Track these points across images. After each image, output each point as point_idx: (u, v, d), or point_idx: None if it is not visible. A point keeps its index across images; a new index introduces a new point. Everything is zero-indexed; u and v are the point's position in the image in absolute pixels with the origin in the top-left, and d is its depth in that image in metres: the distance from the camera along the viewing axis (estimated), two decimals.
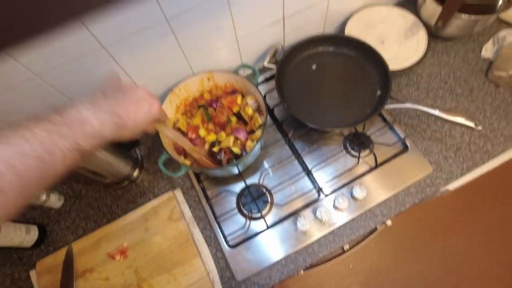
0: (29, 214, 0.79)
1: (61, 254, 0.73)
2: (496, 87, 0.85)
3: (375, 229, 0.90)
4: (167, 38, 0.68)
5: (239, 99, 0.76)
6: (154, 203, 0.77)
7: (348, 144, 0.80)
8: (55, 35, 0.36)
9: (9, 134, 0.35)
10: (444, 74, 0.88)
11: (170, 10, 0.62)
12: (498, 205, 1.57)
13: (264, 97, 0.85)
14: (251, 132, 0.75)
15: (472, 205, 1.58)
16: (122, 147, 0.78)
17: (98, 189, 0.82)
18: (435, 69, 0.89)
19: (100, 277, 0.71)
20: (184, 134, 0.75)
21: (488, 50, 0.89)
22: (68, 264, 0.72)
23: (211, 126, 0.75)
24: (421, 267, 1.47)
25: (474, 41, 0.92)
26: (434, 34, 0.90)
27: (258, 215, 0.73)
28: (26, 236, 0.71)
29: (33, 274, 0.73)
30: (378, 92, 0.80)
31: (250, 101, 0.77)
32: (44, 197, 0.73)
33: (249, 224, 0.74)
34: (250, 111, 0.76)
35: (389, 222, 0.82)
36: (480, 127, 0.68)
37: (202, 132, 0.74)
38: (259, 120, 0.75)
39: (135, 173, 0.82)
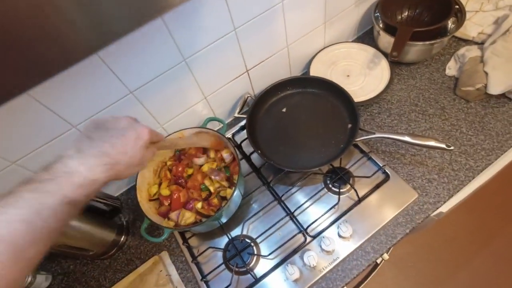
0: None
1: None
2: (466, 102, 0.85)
3: (376, 265, 0.85)
4: (135, 109, 0.72)
5: (212, 153, 0.78)
6: (140, 269, 0.75)
7: (328, 181, 0.79)
8: None
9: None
10: (413, 97, 0.89)
11: (132, 84, 0.67)
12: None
13: (240, 146, 0.88)
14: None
15: (485, 221, 1.50)
16: (103, 216, 0.78)
17: (85, 262, 0.81)
18: (404, 93, 0.91)
19: None
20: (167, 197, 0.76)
21: (451, 69, 0.91)
22: None
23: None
24: None
25: (437, 62, 0.94)
26: (396, 61, 0.93)
27: (244, 269, 0.70)
28: None
29: None
30: (349, 125, 0.81)
31: (225, 154, 0.79)
32: (29, 278, 0.73)
33: (238, 280, 0.71)
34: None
35: (385, 256, 0.78)
36: (452, 147, 0.68)
37: (164, 191, 0.74)
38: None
39: (122, 240, 0.81)
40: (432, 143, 0.69)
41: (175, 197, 0.71)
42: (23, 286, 0.71)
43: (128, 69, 0.64)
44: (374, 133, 0.75)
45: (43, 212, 0.36)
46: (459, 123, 0.83)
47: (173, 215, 0.70)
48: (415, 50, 0.88)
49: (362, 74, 0.93)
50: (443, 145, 0.68)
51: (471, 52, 0.88)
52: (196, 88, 0.79)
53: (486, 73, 0.82)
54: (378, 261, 0.84)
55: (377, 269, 0.86)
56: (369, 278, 0.87)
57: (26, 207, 0.36)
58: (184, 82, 0.75)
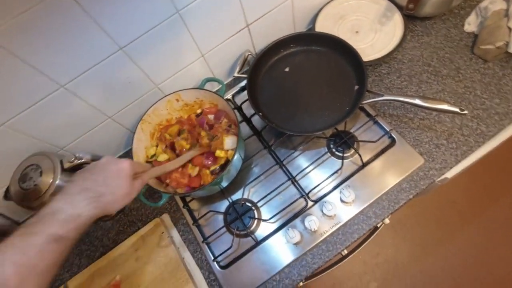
0: None
1: None
2: (484, 62, 0.79)
3: (376, 228, 0.86)
4: (127, 67, 0.67)
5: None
6: (142, 231, 0.76)
7: (332, 145, 0.77)
8: None
9: None
10: (426, 56, 0.83)
11: (122, 40, 0.61)
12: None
13: (240, 108, 0.84)
14: None
15: (486, 185, 1.50)
16: None
17: None
18: (417, 52, 0.84)
19: None
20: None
21: (471, 24, 0.83)
22: None
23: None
24: (442, 258, 1.40)
25: (455, 16, 0.86)
26: (411, 15, 0.85)
27: (245, 232, 0.70)
28: None
29: None
30: (356, 87, 0.76)
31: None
32: None
33: (239, 242, 0.72)
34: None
35: (386, 221, 0.78)
36: (466, 111, 0.63)
37: (162, 156, 0.73)
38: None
39: None
40: (445, 106, 0.65)
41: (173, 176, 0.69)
42: None
43: (115, 22, 0.57)
44: (382, 95, 0.71)
45: (29, 253, 0.40)
46: (473, 85, 0.77)
47: (169, 188, 0.68)
48: (433, 1, 0.79)
49: (373, 30, 0.85)
50: (457, 109, 0.64)
51: (496, 4, 0.79)
52: (192, 45, 0.72)
53: (510, 29, 0.75)
54: (378, 225, 0.85)
55: (376, 232, 0.86)
56: (368, 241, 0.89)
57: (17, 251, 0.40)
58: (179, 38, 0.69)
